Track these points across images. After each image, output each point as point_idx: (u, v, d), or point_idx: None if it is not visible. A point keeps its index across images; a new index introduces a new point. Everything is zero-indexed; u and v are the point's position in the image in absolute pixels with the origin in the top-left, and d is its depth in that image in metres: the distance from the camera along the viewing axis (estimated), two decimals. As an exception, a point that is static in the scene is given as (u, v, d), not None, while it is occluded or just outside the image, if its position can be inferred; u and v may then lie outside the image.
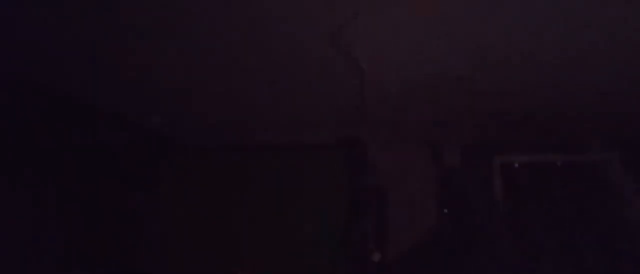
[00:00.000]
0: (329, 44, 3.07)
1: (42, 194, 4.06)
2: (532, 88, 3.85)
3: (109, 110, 4.58)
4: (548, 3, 2.68)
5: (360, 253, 5.06)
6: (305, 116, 4.73)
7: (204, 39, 3.12)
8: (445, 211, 5.25)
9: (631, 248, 4.78)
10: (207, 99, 4.26)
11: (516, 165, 5.43)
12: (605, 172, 5.05)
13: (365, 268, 4.86)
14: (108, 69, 3.61)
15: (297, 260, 5.01)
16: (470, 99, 4.14)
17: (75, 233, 4.28)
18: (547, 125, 4.84)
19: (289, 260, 5.02)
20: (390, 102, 4.25)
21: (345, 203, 5.11)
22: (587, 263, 4.86)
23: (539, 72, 3.54)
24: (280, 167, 5.32)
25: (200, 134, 5.34)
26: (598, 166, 5.13)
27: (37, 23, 2.98)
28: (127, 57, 3.42)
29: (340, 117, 4.69)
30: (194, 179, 5.42)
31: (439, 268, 5.04)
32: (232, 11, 2.81)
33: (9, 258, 3.63)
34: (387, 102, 4.26)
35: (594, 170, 5.13)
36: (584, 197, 5.08)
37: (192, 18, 2.88)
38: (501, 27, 2.89)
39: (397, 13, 2.78)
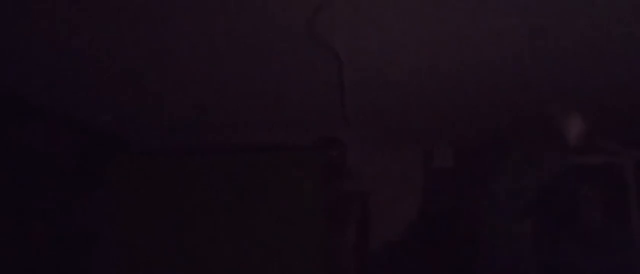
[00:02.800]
0: (305, 33, 3.03)
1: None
2: (532, 86, 3.90)
3: (47, 106, 4.51)
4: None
5: (340, 267, 5.09)
6: (277, 113, 4.73)
7: (158, 21, 2.97)
8: (436, 219, 5.26)
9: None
10: (164, 93, 4.21)
11: None
12: (619, 176, 5.12)
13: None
14: (44, 59, 3.50)
15: (268, 277, 4.98)
16: (463, 97, 4.18)
17: (6, 247, 4.21)
18: (552, 124, 4.53)
19: (259, 277, 4.98)
20: (373, 99, 4.26)
21: (322, 212, 5.04)
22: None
23: (539, 69, 3.58)
24: (248, 171, 5.20)
25: (156, 133, 5.30)
26: (611, 168, 5.18)
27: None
28: (67, 44, 3.25)
29: (317, 115, 4.74)
30: (149, 185, 5.26)
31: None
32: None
33: None
34: (370, 99, 4.27)
35: (606, 173, 5.19)
36: (595, 204, 5.12)
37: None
38: (496, 19, 2.90)
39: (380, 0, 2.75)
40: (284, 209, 5.10)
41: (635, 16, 2.86)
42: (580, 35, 3.09)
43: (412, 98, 4.26)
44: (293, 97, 4.29)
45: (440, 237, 5.27)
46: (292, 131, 5.12)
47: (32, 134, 4.55)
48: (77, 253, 4.99)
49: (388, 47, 3.29)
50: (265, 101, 4.41)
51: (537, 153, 5.00)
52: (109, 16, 2.93)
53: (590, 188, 5.11)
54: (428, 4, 2.75)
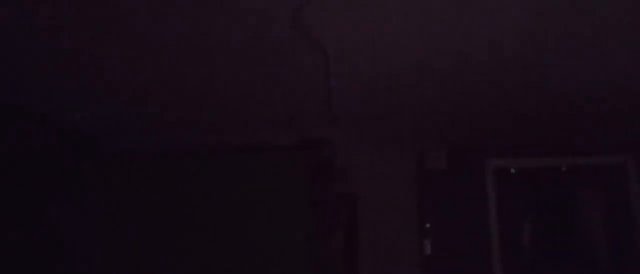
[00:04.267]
0: (291, 27, 3.01)
1: None
2: (531, 82, 3.93)
3: (18, 104, 4.51)
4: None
5: (328, 271, 5.05)
6: (262, 112, 4.74)
7: (136, 16, 2.95)
8: (428, 225, 5.28)
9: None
10: (142, 90, 4.17)
11: (513, 171, 5.55)
12: (618, 178, 5.16)
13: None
14: (13, 55, 3.48)
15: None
16: (458, 95, 4.20)
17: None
18: (550, 124, 4.90)
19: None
20: (363, 97, 4.28)
21: (310, 215, 4.96)
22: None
23: (536, 68, 3.63)
24: (231, 173, 5.11)
25: (134, 133, 5.31)
26: (610, 170, 5.22)
27: None
28: (36, 38, 3.20)
29: (304, 114, 4.76)
30: (127, 187, 5.16)
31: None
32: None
33: None
34: (359, 98, 4.30)
35: (605, 176, 5.24)
36: (594, 207, 5.24)
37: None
38: (492, 11, 2.88)
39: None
40: (269, 212, 5.05)
41: (634, 16, 2.89)
42: (578, 33, 3.10)
43: (404, 96, 4.25)
44: (278, 96, 4.29)
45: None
46: (277, 131, 5.15)
47: (2, 133, 4.53)
48: (48, 258, 4.93)
49: (379, 43, 3.26)
50: (249, 99, 4.41)
51: None
52: (83, 11, 2.91)
53: (591, 190, 5.27)
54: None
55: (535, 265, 5.39)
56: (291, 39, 3.18)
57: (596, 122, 4.85)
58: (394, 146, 5.56)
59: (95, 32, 3.18)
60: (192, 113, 4.74)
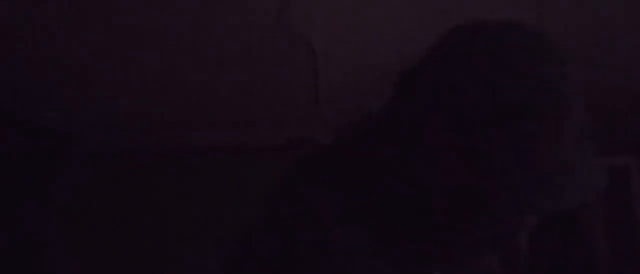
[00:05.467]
0: (276, 22, 3.08)
1: None
2: None
3: None
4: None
5: None
6: (245, 111, 4.72)
7: (112, 11, 3.02)
8: None
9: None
10: (121, 87, 4.14)
11: None
12: (620, 181, 5.14)
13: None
14: None
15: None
16: None
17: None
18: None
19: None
20: (351, 95, 4.25)
21: None
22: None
23: None
24: (215, 175, 5.11)
25: (113, 132, 5.23)
26: (611, 172, 5.04)
27: None
28: (7, 33, 3.24)
29: (290, 113, 4.76)
30: (106, 190, 5.15)
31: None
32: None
33: None
34: (347, 96, 4.28)
35: (609, 179, 5.12)
36: (594, 211, 5.22)
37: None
38: (485, 3, 2.94)
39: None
40: (252, 215, 5.06)
41: (634, 15, 2.98)
42: (577, 31, 3.15)
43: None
44: (262, 94, 4.28)
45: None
46: (261, 131, 5.11)
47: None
48: (20, 262, 4.91)
49: (369, 38, 3.29)
50: (232, 98, 4.39)
51: None
52: (55, 5, 2.97)
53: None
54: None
55: (533, 271, 5.31)
56: (276, 36, 3.22)
57: (596, 121, 4.71)
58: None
59: (69, 27, 3.21)
60: (173, 112, 4.71)
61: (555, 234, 5.35)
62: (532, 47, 0.80)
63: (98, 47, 3.49)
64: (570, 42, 3.09)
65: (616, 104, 4.37)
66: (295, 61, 3.59)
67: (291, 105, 4.54)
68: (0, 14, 3.03)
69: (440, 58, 0.84)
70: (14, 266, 4.82)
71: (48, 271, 5.08)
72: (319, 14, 3.01)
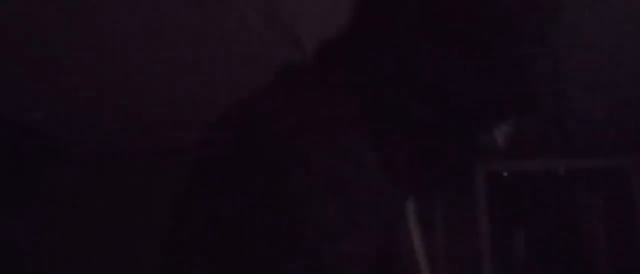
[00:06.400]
0: (263, 16, 3.08)
1: None
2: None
3: None
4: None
5: None
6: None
7: (96, 8, 3.00)
8: None
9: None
10: (108, 87, 4.15)
11: (505, 174, 5.51)
12: (621, 183, 5.09)
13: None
14: None
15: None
16: None
17: None
18: (545, 123, 4.75)
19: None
20: None
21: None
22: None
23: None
24: None
25: (100, 134, 5.22)
26: (613, 174, 5.17)
27: None
28: None
29: None
30: (93, 194, 5.19)
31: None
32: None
33: None
34: None
35: (607, 180, 5.25)
36: (594, 215, 5.22)
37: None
38: None
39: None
40: None
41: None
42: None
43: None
44: (248, 91, 4.28)
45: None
46: None
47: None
48: (6, 263, 4.94)
49: None
50: (218, 95, 4.11)
51: None
52: (41, 5, 2.97)
53: (592, 196, 5.34)
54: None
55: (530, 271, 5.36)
56: (263, 30, 3.20)
57: (596, 121, 4.74)
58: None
59: (55, 27, 3.20)
60: (164, 112, 4.70)
61: (552, 241, 5.32)
62: None
63: (83, 47, 3.46)
64: (572, 42, 3.17)
65: (617, 103, 4.34)
66: (284, 58, 3.51)
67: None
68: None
69: None
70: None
71: (32, 271, 5.09)
72: (308, 9, 2.98)
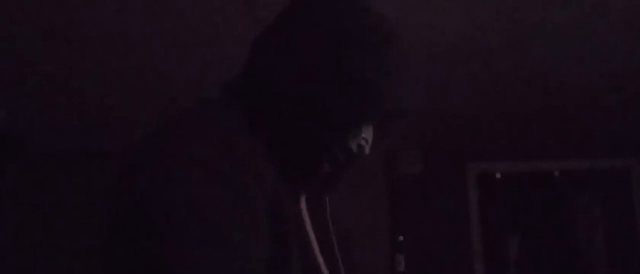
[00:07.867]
0: (244, 13, 3.07)
1: None
2: (520, 75, 3.99)
3: None
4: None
5: None
6: None
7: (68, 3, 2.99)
8: (401, 238, 5.15)
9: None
10: (76, 85, 4.13)
11: (498, 176, 5.54)
12: (620, 184, 5.11)
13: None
14: None
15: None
16: (433, 90, 4.23)
17: None
18: (541, 123, 4.93)
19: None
20: None
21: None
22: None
23: (526, 55, 3.68)
24: None
25: (66, 134, 5.25)
26: (610, 176, 5.20)
27: None
28: None
29: None
30: (57, 196, 5.30)
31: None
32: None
33: None
34: None
35: (604, 182, 5.24)
36: (591, 218, 5.28)
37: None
38: (474, 5, 3.02)
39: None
40: None
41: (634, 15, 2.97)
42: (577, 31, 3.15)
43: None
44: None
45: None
46: None
47: None
48: None
49: None
50: (198, 96, 4.29)
51: None
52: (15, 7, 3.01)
53: (588, 199, 5.38)
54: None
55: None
56: (245, 28, 3.12)
57: (594, 121, 4.79)
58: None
59: (20, 25, 3.20)
60: (138, 111, 4.68)
61: (547, 245, 5.32)
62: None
63: (50, 48, 3.45)
64: (571, 42, 3.26)
65: (616, 104, 4.37)
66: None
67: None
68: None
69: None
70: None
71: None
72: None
